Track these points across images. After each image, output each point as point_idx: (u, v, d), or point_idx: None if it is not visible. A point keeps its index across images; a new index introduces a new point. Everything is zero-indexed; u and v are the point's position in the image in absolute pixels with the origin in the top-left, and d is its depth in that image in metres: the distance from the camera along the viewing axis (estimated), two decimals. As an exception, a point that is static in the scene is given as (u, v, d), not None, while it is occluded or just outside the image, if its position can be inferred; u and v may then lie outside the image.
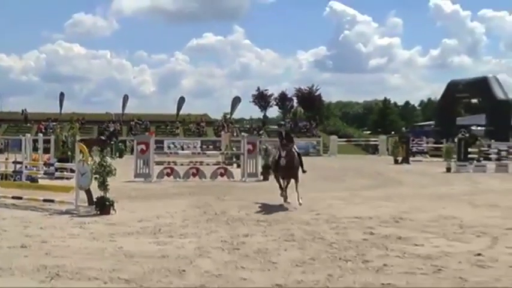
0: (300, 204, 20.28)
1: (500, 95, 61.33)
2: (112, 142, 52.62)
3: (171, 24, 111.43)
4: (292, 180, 21.66)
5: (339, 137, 65.22)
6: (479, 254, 12.90)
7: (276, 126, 77.54)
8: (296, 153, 21.66)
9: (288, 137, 22.08)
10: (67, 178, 21.63)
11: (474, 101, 70.56)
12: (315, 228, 16.00)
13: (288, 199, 21.41)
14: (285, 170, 21.18)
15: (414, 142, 51.65)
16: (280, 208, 19.87)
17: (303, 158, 22.61)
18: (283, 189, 21.71)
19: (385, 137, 59.57)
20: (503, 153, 41.50)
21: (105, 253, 12.76)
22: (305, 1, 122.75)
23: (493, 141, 45.41)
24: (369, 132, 76.84)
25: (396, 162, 45.86)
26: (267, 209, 20.07)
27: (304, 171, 22.09)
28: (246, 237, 14.79)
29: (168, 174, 30.95)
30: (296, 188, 21.20)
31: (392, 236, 14.95)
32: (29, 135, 30.10)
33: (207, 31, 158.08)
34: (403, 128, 54.83)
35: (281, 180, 21.91)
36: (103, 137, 53.17)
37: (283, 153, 20.85)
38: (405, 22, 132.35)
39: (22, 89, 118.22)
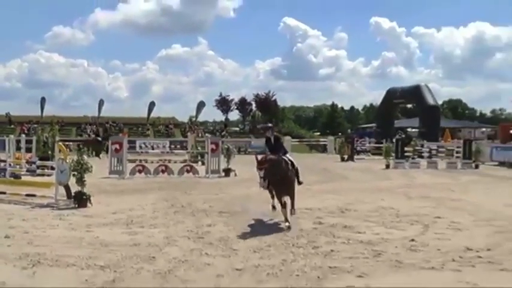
0: (288, 227, 14.36)
1: (430, 101, 62.24)
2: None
3: (142, 36, 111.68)
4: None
5: (292, 138, 65.23)
6: (412, 240, 13.17)
7: (237, 128, 77.29)
8: (290, 163, 15.41)
9: (278, 144, 16.03)
10: (48, 175, 21.44)
11: (409, 106, 71.05)
12: (271, 220, 16.01)
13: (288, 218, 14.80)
14: (279, 185, 14.91)
15: (358, 142, 51.86)
16: (240, 201, 19.79)
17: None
18: (282, 206, 14.75)
19: (333, 137, 59.71)
20: (434, 152, 42.04)
21: (83, 242, 12.68)
22: (262, 16, 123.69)
23: (425, 141, 45.84)
24: (318, 133, 77.15)
25: (342, 160, 46.03)
26: (228, 201, 20.04)
27: (300, 183, 16.11)
28: (209, 227, 14.78)
29: (139, 171, 30.79)
30: (291, 204, 15.32)
31: (338, 225, 15.08)
32: (12, 136, 29.78)
33: (175, 43, 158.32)
34: (349, 130, 55.32)
35: (275, 198, 15.75)
36: (99, 138, 52.74)
37: (261, 173, 14.21)
38: (350, 37, 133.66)
39: (6, 94, 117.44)
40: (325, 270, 10.34)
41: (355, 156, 47.07)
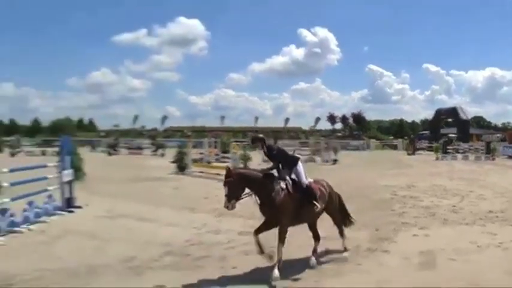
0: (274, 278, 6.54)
1: (463, 117, 60.76)
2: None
3: (281, 77, 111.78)
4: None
5: (376, 140, 64.59)
6: (454, 206, 12.87)
7: (340, 133, 76.16)
8: (287, 181, 7.33)
9: (274, 154, 7.50)
10: (226, 162, 22.01)
11: (450, 120, 68.24)
12: (362, 191, 15.91)
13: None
14: (263, 212, 7.22)
15: (418, 143, 50.12)
16: (344, 179, 19.68)
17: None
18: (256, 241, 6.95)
19: (402, 140, 58.17)
20: (466, 149, 40.53)
21: (246, 204, 13.01)
22: (355, 64, 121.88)
23: (460, 142, 44.25)
24: (392, 137, 74.96)
25: (408, 154, 44.60)
26: (337, 178, 19.88)
27: (315, 208, 7.40)
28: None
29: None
30: (277, 244, 6.79)
31: (407, 196, 14.80)
32: (206, 139, 30.65)
33: (300, 81, 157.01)
34: (411, 135, 53.53)
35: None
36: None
37: (225, 189, 6.87)
38: (411, 76, 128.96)
39: (202, 114, 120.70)
40: (399, 224, 10.34)
41: (416, 152, 45.49)
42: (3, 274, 6.85)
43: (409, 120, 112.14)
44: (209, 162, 24.61)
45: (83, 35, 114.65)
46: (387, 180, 19.20)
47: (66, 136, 15.46)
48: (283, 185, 7.14)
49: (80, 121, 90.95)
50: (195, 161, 23.88)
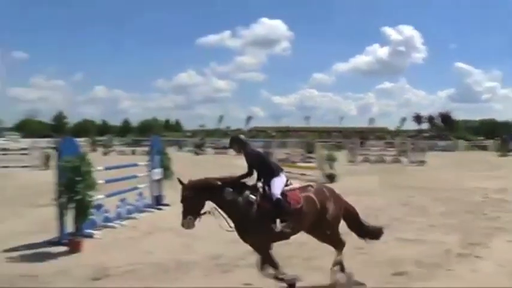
0: None
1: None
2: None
3: (364, 77, 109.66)
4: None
5: (464, 140, 62.18)
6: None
7: (427, 134, 73.65)
8: (256, 193, 5.89)
9: (248, 158, 6.19)
10: (311, 162, 21.98)
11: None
12: (452, 193, 15.34)
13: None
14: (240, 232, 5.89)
15: (511, 143, 47.72)
16: (430, 181, 19.08)
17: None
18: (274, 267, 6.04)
19: (492, 140, 55.53)
20: None
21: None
22: (441, 62, 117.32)
23: None
24: (483, 138, 71.66)
25: (500, 155, 42.52)
26: (425, 179, 19.36)
27: (283, 230, 5.87)
28: (411, 198, 14.44)
29: (365, 161, 30.77)
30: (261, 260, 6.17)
31: (500, 199, 14.07)
32: (291, 139, 30.87)
33: (385, 81, 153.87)
34: (504, 135, 50.93)
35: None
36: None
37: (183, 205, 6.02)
38: (504, 73, 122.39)
39: (287, 115, 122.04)
40: (492, 229, 9.87)
41: (509, 153, 43.23)
42: (99, 265, 7.28)
43: (500, 119, 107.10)
44: (294, 162, 24.71)
45: (170, 38, 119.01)
46: (478, 183, 18.33)
47: (156, 136, 16.07)
48: (253, 197, 5.82)
49: (167, 121, 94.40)
50: (280, 160, 24.04)
